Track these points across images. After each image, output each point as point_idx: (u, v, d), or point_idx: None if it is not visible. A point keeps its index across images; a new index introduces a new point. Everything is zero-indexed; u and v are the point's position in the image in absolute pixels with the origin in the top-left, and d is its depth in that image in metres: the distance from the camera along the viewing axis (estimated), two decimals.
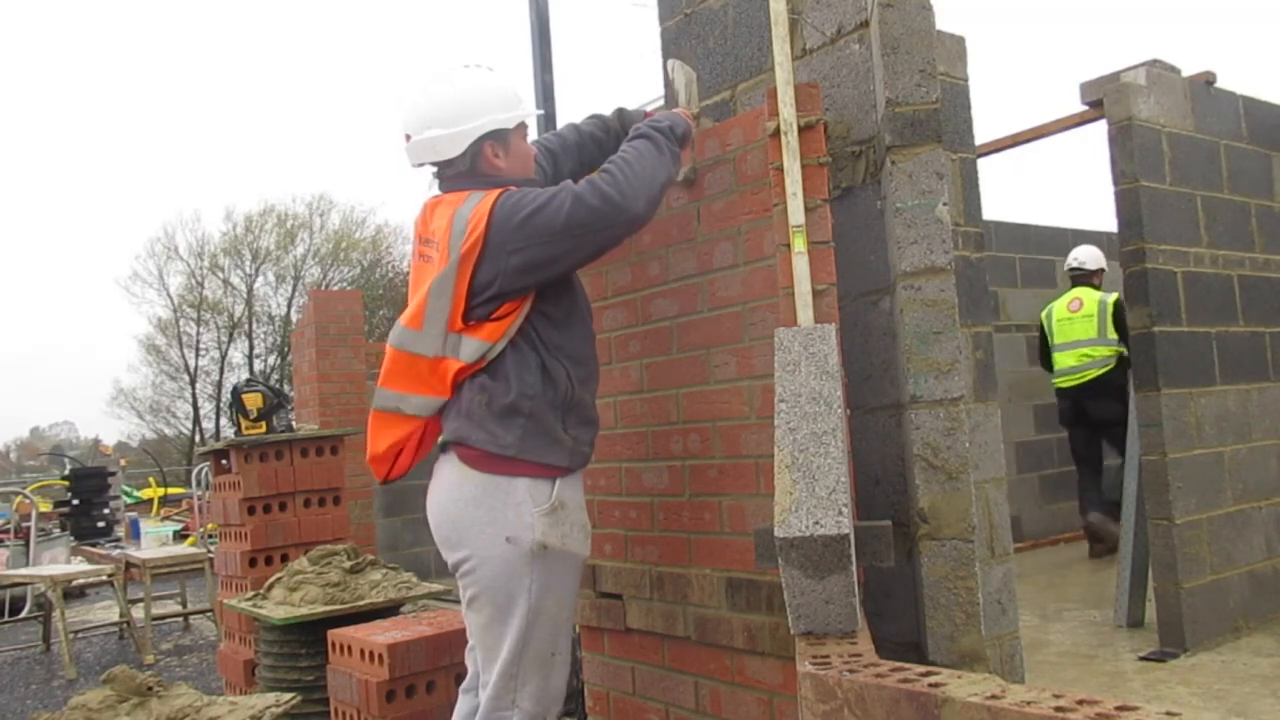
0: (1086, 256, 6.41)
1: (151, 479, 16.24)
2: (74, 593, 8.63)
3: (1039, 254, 7.63)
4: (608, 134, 2.54)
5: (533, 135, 2.46)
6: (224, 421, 24.71)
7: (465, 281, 2.13)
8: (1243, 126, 4.79)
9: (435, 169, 2.31)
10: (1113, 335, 5.99)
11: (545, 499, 2.14)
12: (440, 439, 2.27)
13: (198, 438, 26.08)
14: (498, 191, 2.17)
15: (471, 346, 2.15)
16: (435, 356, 2.19)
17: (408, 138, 2.28)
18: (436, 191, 2.33)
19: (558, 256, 2.13)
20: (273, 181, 53.78)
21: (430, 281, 2.18)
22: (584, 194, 2.10)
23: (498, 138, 2.25)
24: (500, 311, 2.14)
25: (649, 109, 3.69)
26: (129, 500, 14.37)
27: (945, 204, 2.13)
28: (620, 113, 2.59)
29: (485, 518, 2.13)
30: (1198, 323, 4.35)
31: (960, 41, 3.08)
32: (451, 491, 2.20)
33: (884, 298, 2.38)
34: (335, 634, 3.36)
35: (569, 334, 2.24)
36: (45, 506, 11.77)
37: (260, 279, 26.56)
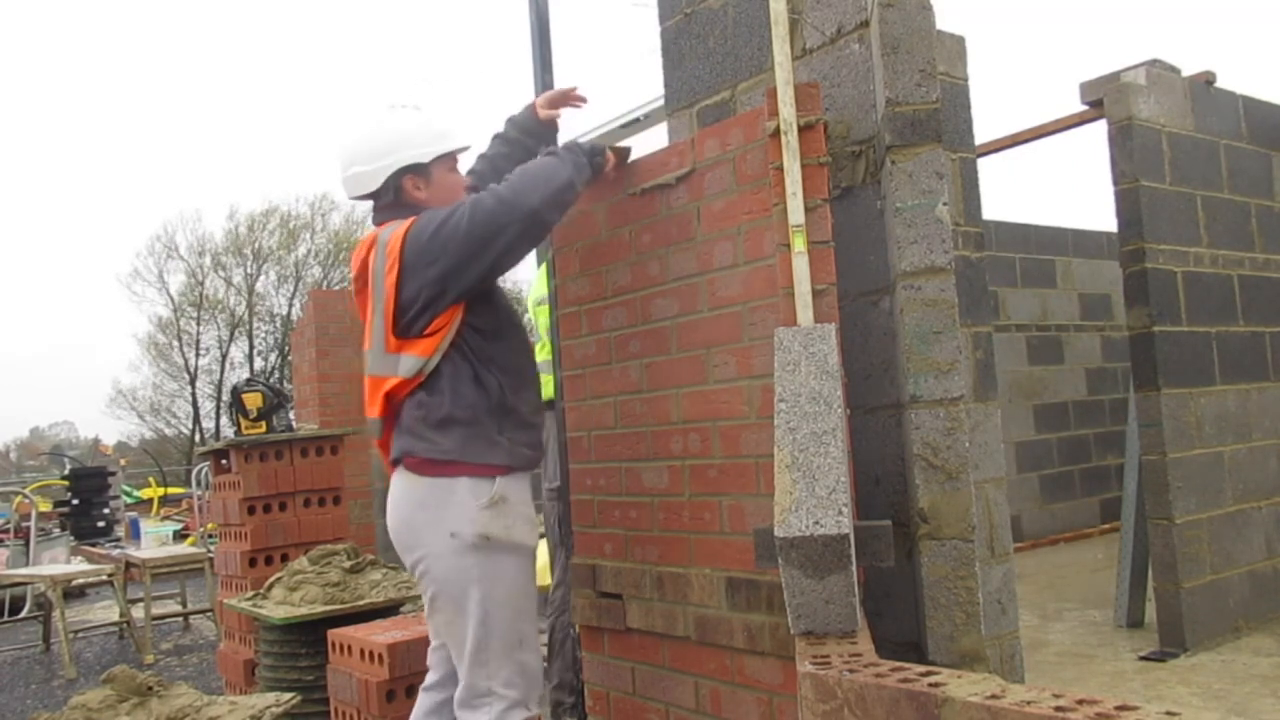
0: None
1: (151, 479, 16.26)
2: (74, 593, 8.63)
3: (1039, 254, 7.64)
4: (510, 145, 2.73)
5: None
6: (224, 421, 24.70)
7: (392, 300, 2.29)
8: (1243, 126, 4.79)
9: (373, 202, 2.49)
10: None
11: (486, 494, 2.28)
12: (390, 458, 2.41)
13: (198, 437, 26.08)
14: (414, 218, 2.34)
15: (409, 362, 2.30)
16: (379, 376, 2.36)
17: (342, 174, 2.48)
18: (371, 227, 2.50)
19: (469, 261, 2.25)
20: (276, 181, 53.86)
21: (369, 309, 2.37)
22: (482, 199, 2.26)
23: (417, 171, 2.41)
24: (432, 327, 2.28)
25: (639, 113, 3.73)
26: (129, 500, 14.38)
27: (945, 204, 2.13)
28: (510, 120, 2.78)
29: (433, 517, 2.28)
30: (1198, 323, 4.35)
31: (960, 41, 3.09)
32: (402, 498, 2.35)
33: (884, 298, 2.38)
34: (335, 634, 3.37)
35: (499, 345, 2.37)
36: (45, 506, 11.77)
37: (262, 278, 26.59)
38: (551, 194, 2.28)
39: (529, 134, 2.68)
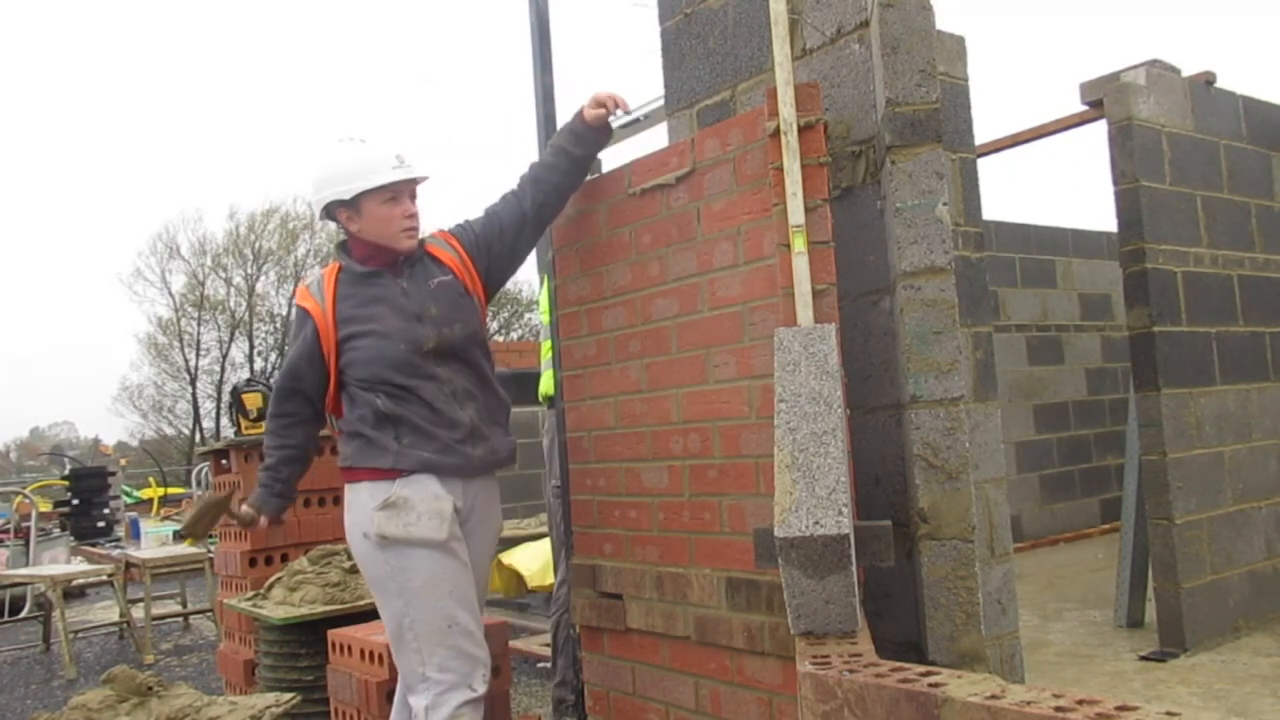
0: None
1: (151, 479, 16.25)
2: (74, 593, 8.63)
3: (1039, 254, 7.63)
4: (555, 154, 2.68)
5: (530, 140, 2.51)
6: (224, 421, 24.69)
7: None
8: (1243, 126, 4.79)
9: None
10: None
11: (382, 496, 2.43)
12: None
13: (198, 437, 26.07)
14: (298, 300, 2.64)
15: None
16: None
17: None
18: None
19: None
20: (275, 180, 53.73)
21: None
22: (272, 396, 2.66)
23: (348, 205, 2.52)
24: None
25: (639, 113, 3.73)
26: (129, 500, 14.38)
27: (945, 204, 2.13)
28: (560, 128, 2.74)
29: (351, 520, 2.51)
30: (1198, 323, 4.35)
31: (960, 41, 3.09)
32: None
33: (884, 298, 2.38)
34: (335, 634, 3.37)
35: (367, 368, 2.49)
36: (45, 506, 11.77)
37: (262, 279, 26.59)
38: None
39: (576, 140, 2.64)
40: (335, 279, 2.56)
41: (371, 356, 2.48)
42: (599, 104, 2.62)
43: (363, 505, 2.46)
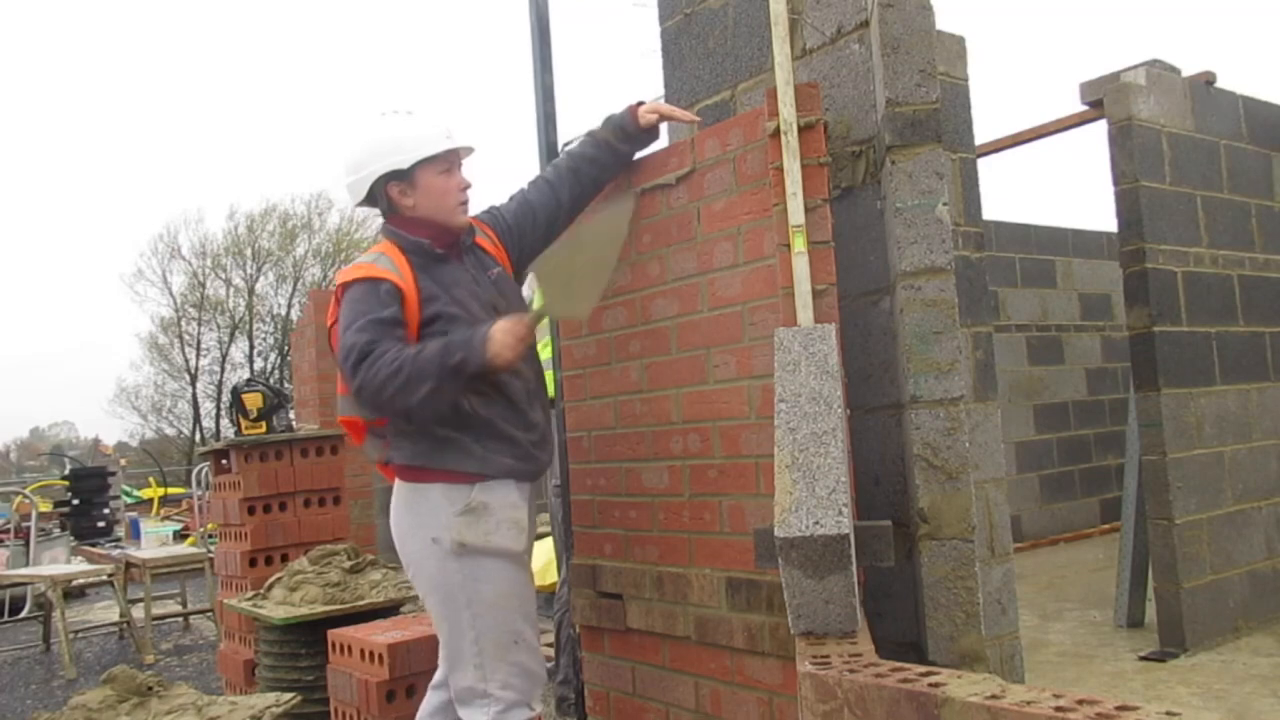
0: None
1: (151, 479, 16.23)
2: (74, 593, 8.62)
3: (1039, 254, 7.63)
4: (597, 148, 2.59)
5: (529, 140, 2.46)
6: (224, 421, 24.70)
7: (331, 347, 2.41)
8: (1243, 126, 4.79)
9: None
10: None
11: (461, 501, 2.28)
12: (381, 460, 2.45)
13: (198, 437, 26.08)
14: (357, 275, 2.30)
15: None
16: (352, 416, 2.42)
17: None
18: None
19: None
20: (274, 179, 53.82)
21: None
22: (352, 354, 2.19)
23: (401, 178, 2.36)
24: None
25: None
26: (129, 500, 14.36)
27: (945, 204, 2.13)
28: (606, 120, 2.63)
29: (415, 522, 2.33)
30: (1198, 323, 4.35)
31: (960, 41, 3.09)
32: (394, 504, 2.41)
33: (884, 298, 2.38)
34: (335, 634, 3.37)
35: None
36: (45, 506, 11.76)
37: (262, 279, 26.59)
38: (426, 399, 2.18)
39: (624, 137, 2.56)
40: (404, 255, 2.34)
41: None
42: (655, 110, 2.55)
43: (435, 509, 2.29)
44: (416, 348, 2.20)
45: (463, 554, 2.27)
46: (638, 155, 2.66)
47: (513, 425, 2.34)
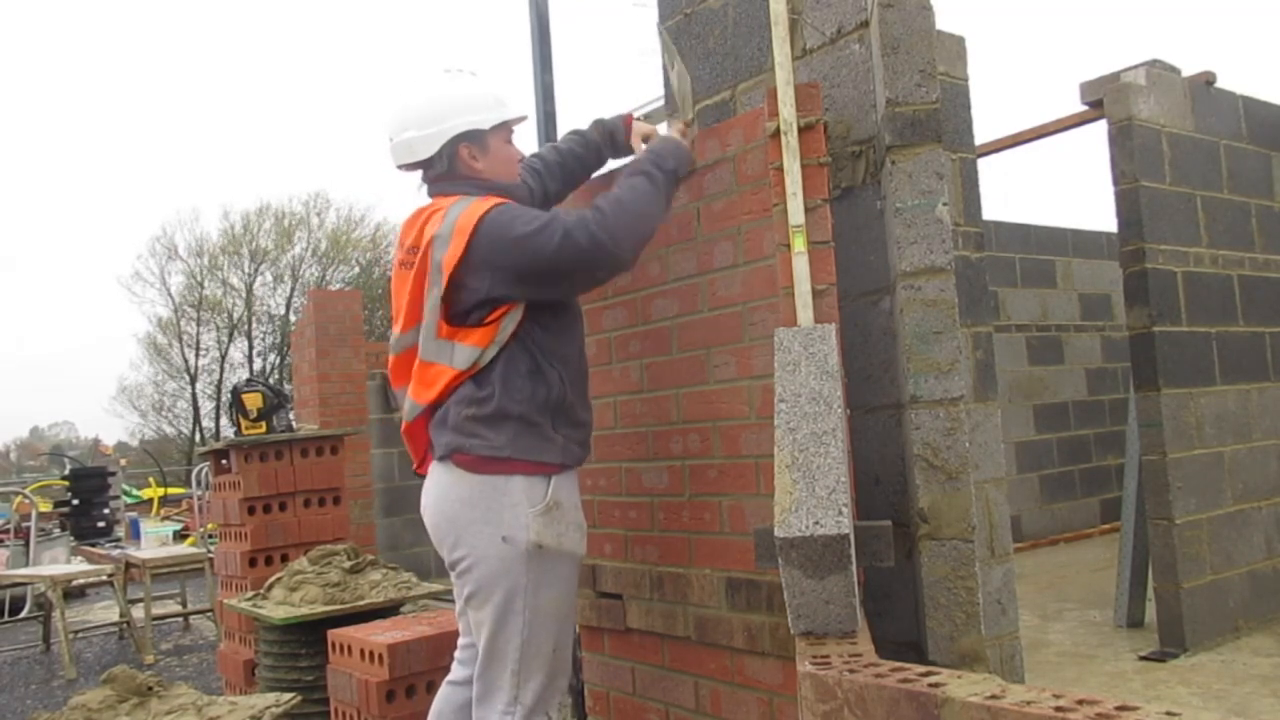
0: None
1: (151, 479, 16.23)
2: (74, 593, 8.63)
3: (1039, 254, 7.64)
4: (587, 148, 2.59)
5: (529, 139, 2.47)
6: (224, 421, 24.69)
7: (447, 287, 2.15)
8: (1243, 126, 4.79)
9: (421, 173, 2.35)
10: None
11: (540, 498, 2.16)
12: (436, 455, 2.27)
13: (198, 437, 26.07)
14: (491, 203, 2.18)
15: (465, 353, 2.18)
16: (429, 361, 2.23)
17: (391, 140, 2.34)
18: (426, 200, 2.36)
19: (547, 284, 2.17)
20: (270, 179, 53.71)
21: (414, 288, 2.24)
22: (574, 231, 2.11)
23: (473, 139, 2.27)
24: (491, 317, 2.16)
25: (639, 113, 3.72)
26: (129, 500, 14.36)
27: (945, 204, 2.13)
28: (598, 123, 2.63)
29: (481, 517, 2.16)
30: (1198, 323, 4.35)
31: (960, 41, 3.09)
32: (447, 492, 2.22)
33: (884, 298, 2.38)
34: (335, 634, 3.36)
35: (563, 338, 2.27)
36: (45, 506, 11.76)
37: (259, 279, 26.57)
38: (645, 240, 2.24)
39: (611, 145, 2.58)
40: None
41: (570, 323, 2.26)
42: (646, 136, 2.54)
43: (514, 505, 2.14)
44: (602, 195, 2.20)
45: (536, 555, 2.15)
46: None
47: (582, 408, 2.28)
